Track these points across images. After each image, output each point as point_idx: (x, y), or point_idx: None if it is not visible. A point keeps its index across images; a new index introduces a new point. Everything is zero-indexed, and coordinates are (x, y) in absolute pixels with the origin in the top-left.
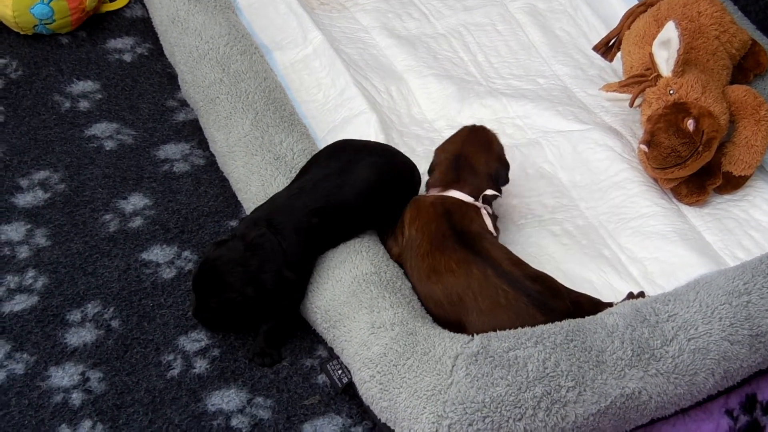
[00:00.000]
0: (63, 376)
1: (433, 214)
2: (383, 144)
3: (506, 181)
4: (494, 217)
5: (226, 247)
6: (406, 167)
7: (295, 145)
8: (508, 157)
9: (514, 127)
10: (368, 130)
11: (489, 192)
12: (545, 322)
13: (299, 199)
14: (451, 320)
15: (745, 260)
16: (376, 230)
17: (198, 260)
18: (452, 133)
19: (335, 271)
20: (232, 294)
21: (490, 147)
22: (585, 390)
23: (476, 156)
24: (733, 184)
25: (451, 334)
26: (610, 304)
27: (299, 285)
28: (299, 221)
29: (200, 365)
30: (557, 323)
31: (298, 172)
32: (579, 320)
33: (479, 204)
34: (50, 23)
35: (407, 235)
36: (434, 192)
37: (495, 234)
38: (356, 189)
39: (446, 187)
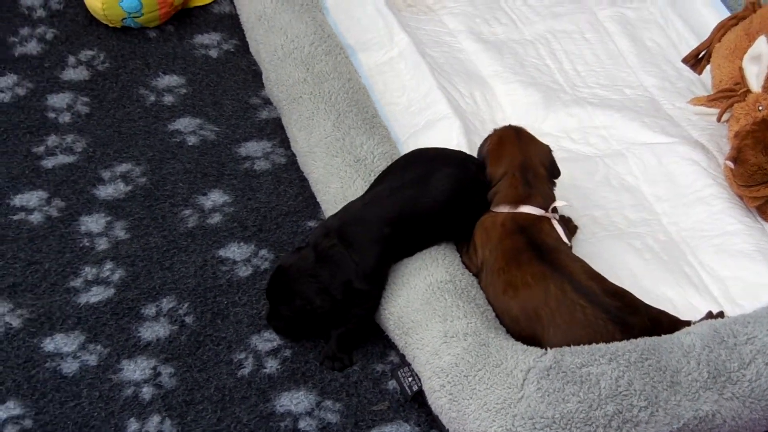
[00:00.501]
0: (135, 369)
1: (505, 232)
2: (458, 152)
3: (559, 171)
4: (566, 220)
5: (298, 256)
6: (477, 177)
7: (375, 148)
8: (591, 167)
9: (598, 137)
10: (450, 135)
11: (559, 203)
12: (622, 338)
13: (373, 209)
14: (526, 336)
15: None
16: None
17: (274, 262)
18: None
19: (410, 278)
20: (302, 303)
21: (534, 142)
22: (658, 410)
23: (534, 160)
24: None
25: (524, 346)
26: (689, 323)
27: (372, 295)
28: (372, 232)
29: (271, 365)
30: (632, 341)
31: (376, 176)
32: (655, 339)
33: (550, 215)
34: (138, 17)
35: (481, 257)
36: (504, 209)
37: (568, 243)
38: (431, 201)
39: (517, 204)
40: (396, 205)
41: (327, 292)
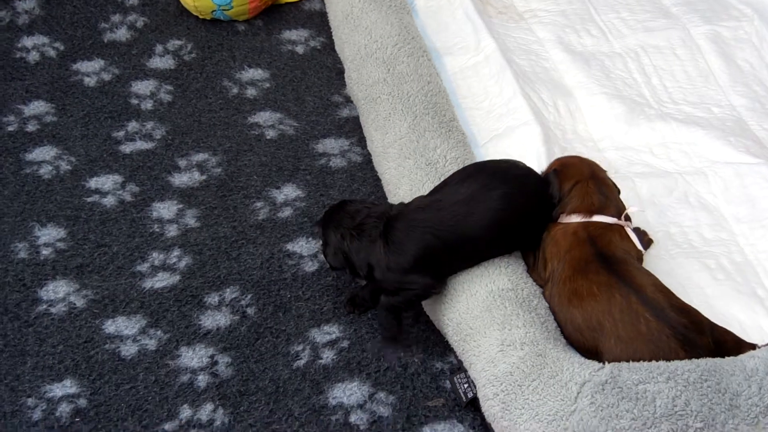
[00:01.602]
0: (193, 357)
1: (575, 241)
2: (520, 166)
3: (619, 189)
4: (642, 233)
5: (348, 209)
6: (539, 192)
7: (449, 152)
8: (671, 183)
9: (680, 153)
10: (530, 142)
11: (633, 209)
12: (686, 357)
13: (425, 214)
14: (588, 347)
15: None
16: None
17: None
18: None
19: (470, 285)
20: (323, 247)
21: (595, 163)
22: None
23: (602, 174)
24: None
25: (582, 359)
26: (755, 346)
27: (397, 291)
28: (415, 235)
29: (327, 356)
30: (693, 360)
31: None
32: (717, 360)
33: (622, 222)
34: (228, 9)
35: (550, 269)
36: (576, 218)
37: (642, 250)
38: (482, 221)
39: (591, 213)
40: (447, 221)
41: (346, 257)
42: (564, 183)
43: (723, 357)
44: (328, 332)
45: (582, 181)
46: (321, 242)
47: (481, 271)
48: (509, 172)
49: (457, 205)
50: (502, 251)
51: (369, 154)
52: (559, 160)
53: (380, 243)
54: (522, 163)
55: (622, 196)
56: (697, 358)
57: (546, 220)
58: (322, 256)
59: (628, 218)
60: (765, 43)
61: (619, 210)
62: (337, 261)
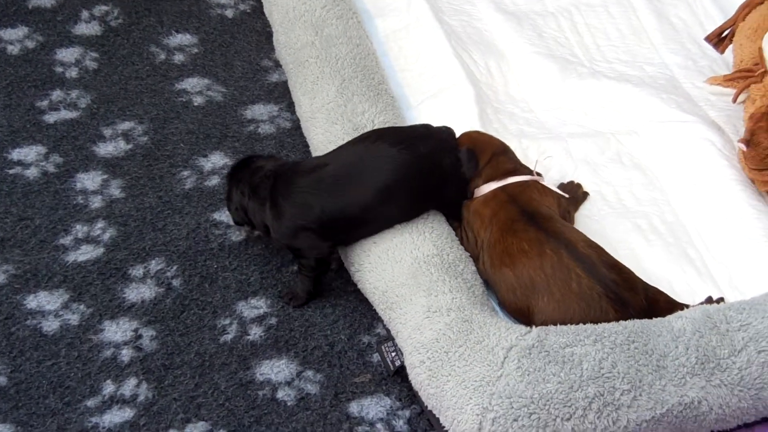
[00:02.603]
0: (116, 331)
1: (497, 204)
2: (423, 128)
3: None
4: (576, 186)
5: (252, 165)
6: (442, 153)
7: (377, 116)
8: (603, 143)
9: (614, 112)
10: (462, 102)
11: (540, 161)
12: (616, 318)
13: (306, 178)
14: (521, 307)
15: None
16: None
17: None
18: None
19: (395, 252)
20: (227, 203)
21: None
22: (641, 395)
23: (506, 146)
24: None
25: (509, 323)
26: (687, 306)
27: (296, 254)
28: (295, 199)
29: (255, 332)
30: (621, 323)
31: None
32: (644, 321)
33: (536, 177)
34: None
35: (480, 241)
36: (492, 185)
37: (565, 195)
38: (367, 187)
39: (504, 177)
40: (326, 184)
41: (247, 214)
42: (482, 157)
43: (655, 317)
44: (255, 306)
45: (494, 153)
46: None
47: (405, 238)
48: (409, 134)
49: (342, 168)
50: (405, 216)
51: (298, 120)
52: (466, 136)
53: (268, 204)
54: (433, 126)
55: (555, 156)
56: (629, 317)
57: (459, 182)
58: None
59: (539, 174)
60: None
61: (529, 172)
62: (238, 216)
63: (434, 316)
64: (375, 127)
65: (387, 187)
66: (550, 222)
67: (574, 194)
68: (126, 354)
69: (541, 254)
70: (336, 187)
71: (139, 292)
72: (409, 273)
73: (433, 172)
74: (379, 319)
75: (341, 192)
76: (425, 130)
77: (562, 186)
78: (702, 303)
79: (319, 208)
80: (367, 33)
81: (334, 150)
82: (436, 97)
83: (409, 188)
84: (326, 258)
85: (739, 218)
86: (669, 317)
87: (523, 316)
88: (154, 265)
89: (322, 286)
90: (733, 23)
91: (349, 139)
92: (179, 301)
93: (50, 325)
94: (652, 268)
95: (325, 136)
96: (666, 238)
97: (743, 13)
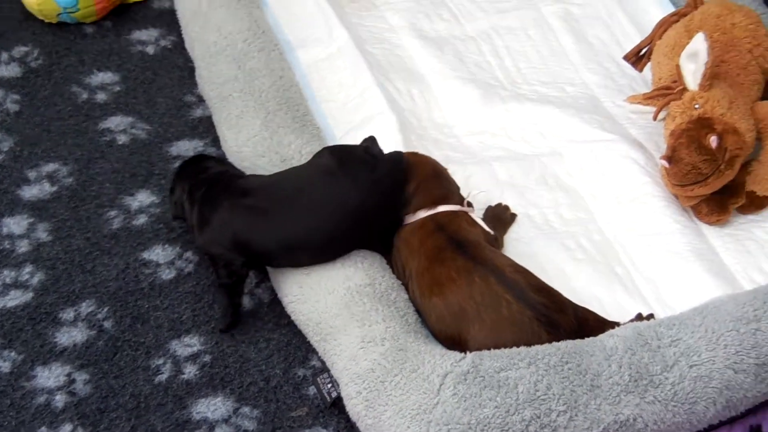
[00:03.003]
0: (49, 376)
1: (425, 233)
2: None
3: None
4: (504, 209)
5: (200, 164)
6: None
7: (303, 147)
8: (528, 165)
9: (537, 134)
10: (387, 131)
11: (474, 192)
12: (549, 340)
13: (233, 198)
14: (452, 335)
15: (761, 285)
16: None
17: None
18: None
19: (327, 283)
20: (171, 197)
21: (429, 157)
22: (577, 415)
23: (440, 167)
24: (756, 204)
25: (443, 350)
26: (617, 325)
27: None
28: (217, 216)
29: (189, 371)
30: (554, 344)
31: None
32: (577, 342)
33: (466, 209)
34: (74, 12)
35: (408, 270)
36: (422, 214)
37: (491, 232)
38: (294, 226)
39: (435, 205)
40: (244, 214)
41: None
42: (411, 183)
43: (586, 337)
44: (188, 344)
45: (425, 179)
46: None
47: (337, 268)
48: (356, 163)
49: (275, 197)
50: (336, 254)
51: (224, 154)
52: (407, 154)
53: (196, 209)
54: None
55: (479, 181)
56: (561, 338)
57: (392, 217)
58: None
59: (470, 205)
60: (615, 19)
61: (461, 199)
62: (176, 211)
63: (369, 346)
64: (303, 158)
65: (316, 228)
66: (477, 249)
67: (502, 216)
68: (60, 399)
69: (470, 282)
70: (258, 216)
71: (71, 335)
72: (342, 303)
73: (376, 210)
74: (314, 351)
75: (262, 222)
76: (372, 159)
77: (490, 209)
78: (632, 320)
79: (232, 231)
80: (289, 65)
81: (285, 171)
82: (360, 127)
83: (341, 231)
84: (237, 271)
85: (665, 234)
86: (601, 336)
87: (456, 344)
88: (85, 307)
89: (243, 316)
90: (650, 41)
91: (277, 170)
92: (112, 342)
93: None
94: (581, 287)
95: (252, 169)
96: (594, 256)
97: (660, 31)
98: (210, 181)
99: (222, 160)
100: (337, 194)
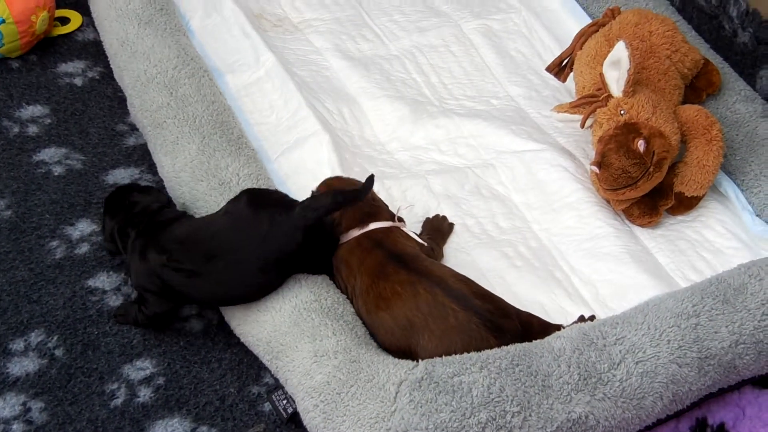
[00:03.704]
0: (4, 407)
1: (363, 251)
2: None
3: None
4: (441, 219)
5: (130, 198)
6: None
7: (241, 169)
8: (462, 177)
9: (467, 147)
10: (320, 151)
11: (402, 209)
12: (497, 344)
13: (158, 244)
14: (402, 347)
15: (696, 282)
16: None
17: None
18: (341, 176)
19: (274, 302)
20: (104, 233)
21: (352, 180)
22: (530, 415)
23: (373, 193)
24: (685, 204)
25: (396, 360)
26: (560, 327)
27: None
28: (141, 260)
29: (144, 394)
30: (503, 348)
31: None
32: (525, 344)
33: (398, 224)
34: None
35: (350, 289)
36: (355, 233)
37: (424, 243)
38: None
39: (365, 223)
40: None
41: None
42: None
43: (531, 340)
44: (141, 368)
45: None
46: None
47: (283, 288)
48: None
49: (198, 251)
50: (268, 291)
51: (161, 181)
52: (325, 185)
53: (129, 254)
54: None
55: (416, 194)
56: (507, 342)
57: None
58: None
59: (401, 220)
60: (534, 32)
61: (391, 215)
62: (111, 246)
63: (322, 360)
64: (241, 181)
65: (241, 281)
66: (417, 261)
67: (440, 227)
68: (17, 428)
69: (415, 294)
70: (184, 276)
71: (23, 365)
72: (290, 321)
73: (298, 249)
74: (266, 369)
75: (189, 281)
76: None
77: (427, 220)
78: (575, 322)
79: (161, 281)
80: (219, 90)
81: (205, 220)
82: (294, 148)
83: (266, 276)
84: (165, 316)
85: (599, 238)
86: (548, 338)
87: (407, 356)
88: (35, 337)
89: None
90: (571, 52)
91: (216, 194)
92: (64, 370)
93: None
94: (523, 293)
95: (191, 194)
96: (532, 263)
97: (580, 42)
98: (138, 223)
99: (147, 189)
100: (257, 243)
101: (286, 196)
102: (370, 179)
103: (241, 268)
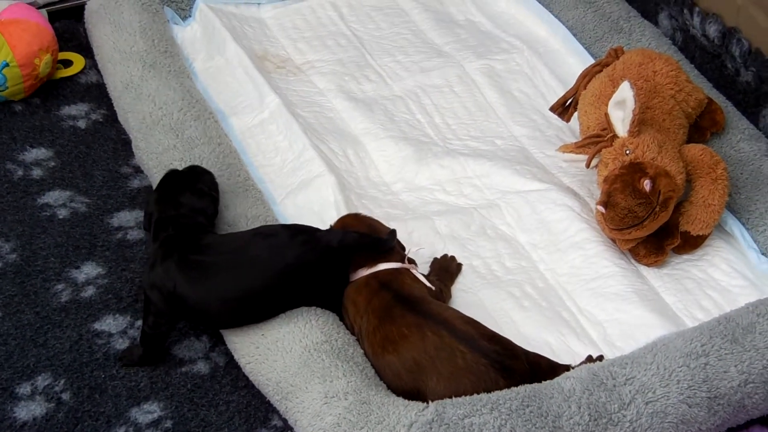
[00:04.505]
0: None
1: (370, 292)
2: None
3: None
4: (450, 260)
5: (178, 199)
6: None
7: (248, 210)
8: (467, 218)
9: (472, 187)
10: (326, 192)
11: (412, 249)
12: (506, 385)
13: (182, 256)
14: (410, 390)
15: (704, 321)
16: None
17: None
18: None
19: (284, 342)
20: (146, 208)
21: (372, 218)
22: None
23: (378, 226)
24: (691, 243)
25: (406, 402)
26: (568, 367)
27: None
28: (161, 271)
29: None
30: (513, 389)
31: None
32: (535, 385)
33: (408, 265)
34: (3, 90)
35: (358, 327)
36: (363, 272)
37: (432, 288)
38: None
39: (375, 263)
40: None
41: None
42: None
43: (539, 381)
44: (149, 411)
45: None
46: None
47: (292, 327)
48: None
49: (218, 261)
50: (272, 311)
51: None
52: (340, 222)
53: (154, 247)
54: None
55: (422, 235)
56: (516, 383)
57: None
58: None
59: (411, 261)
60: (537, 72)
61: (402, 257)
62: (145, 222)
63: (332, 401)
64: (249, 222)
65: (250, 286)
66: (424, 304)
67: (449, 267)
68: None
69: (423, 337)
70: (200, 273)
71: (30, 409)
72: (300, 362)
73: (311, 269)
74: (275, 411)
75: (202, 280)
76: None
77: (435, 261)
78: (583, 362)
79: (173, 284)
80: (224, 132)
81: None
82: (299, 190)
83: (275, 289)
84: (162, 327)
85: (606, 277)
86: (557, 379)
87: (414, 398)
88: (41, 381)
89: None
90: (575, 92)
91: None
92: (71, 414)
93: None
94: (531, 333)
95: None
96: (539, 303)
97: (584, 81)
98: (176, 225)
99: (200, 192)
100: (275, 250)
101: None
102: (393, 233)
103: (255, 269)
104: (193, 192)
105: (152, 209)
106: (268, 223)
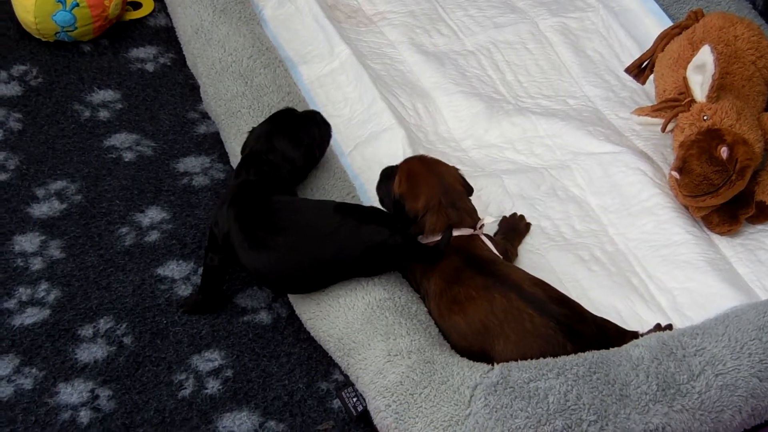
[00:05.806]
0: (72, 392)
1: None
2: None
3: (472, 189)
4: (519, 219)
5: (274, 143)
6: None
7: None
8: (537, 178)
9: (543, 146)
10: (395, 146)
11: (487, 220)
12: (574, 350)
13: (254, 218)
14: (477, 351)
15: None
16: None
17: None
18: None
19: (347, 299)
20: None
21: (442, 164)
22: (607, 424)
23: (450, 180)
24: (766, 214)
25: (471, 363)
26: (636, 334)
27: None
28: (226, 219)
29: (212, 386)
30: (580, 354)
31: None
32: (603, 352)
33: (479, 232)
34: (72, 30)
35: (424, 289)
36: (436, 237)
37: (500, 256)
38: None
39: (447, 231)
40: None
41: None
42: (413, 203)
43: (607, 346)
44: (210, 359)
45: (433, 201)
46: None
47: (355, 284)
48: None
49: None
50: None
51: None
52: (404, 168)
53: (230, 187)
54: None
55: (490, 193)
56: (584, 348)
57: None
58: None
59: (482, 227)
60: (612, 32)
61: (474, 220)
62: (242, 149)
63: (395, 360)
64: (316, 173)
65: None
66: (494, 266)
67: (517, 227)
68: (85, 415)
69: (491, 299)
70: (255, 248)
71: (91, 352)
72: (363, 318)
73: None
74: (335, 365)
75: (248, 250)
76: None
77: (504, 219)
78: (651, 330)
79: (226, 232)
80: (294, 81)
81: (303, 200)
82: (368, 142)
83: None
84: (210, 265)
85: (677, 245)
86: (626, 346)
87: (480, 360)
88: (103, 324)
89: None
90: (652, 54)
91: None
92: (132, 358)
93: (4, 391)
94: (598, 297)
95: None
96: (608, 267)
97: (662, 44)
98: (259, 171)
99: (298, 142)
100: (320, 240)
101: (380, 211)
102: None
103: (294, 258)
104: (291, 139)
105: (250, 141)
106: (337, 177)
